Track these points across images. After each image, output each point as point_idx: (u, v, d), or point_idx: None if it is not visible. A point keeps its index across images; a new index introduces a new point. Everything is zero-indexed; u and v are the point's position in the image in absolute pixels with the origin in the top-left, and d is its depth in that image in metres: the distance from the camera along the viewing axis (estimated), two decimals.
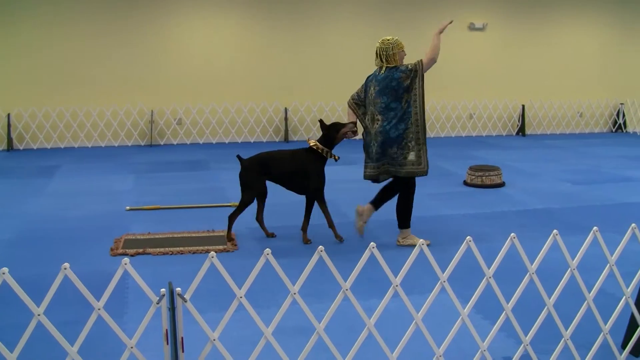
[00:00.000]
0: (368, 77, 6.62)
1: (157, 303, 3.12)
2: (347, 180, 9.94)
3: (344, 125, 6.65)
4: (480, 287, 3.59)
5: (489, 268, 3.61)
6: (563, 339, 3.87)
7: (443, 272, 3.55)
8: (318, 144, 6.65)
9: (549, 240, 3.70)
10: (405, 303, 3.50)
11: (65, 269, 2.99)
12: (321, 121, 6.80)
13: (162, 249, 6.38)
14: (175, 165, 11.38)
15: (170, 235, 6.90)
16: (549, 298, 3.78)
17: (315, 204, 6.76)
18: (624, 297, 4.02)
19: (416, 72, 6.36)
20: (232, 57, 14.26)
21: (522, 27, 16.21)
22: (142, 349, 3.38)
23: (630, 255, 5.82)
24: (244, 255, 6.27)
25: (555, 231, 3.71)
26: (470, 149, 13.78)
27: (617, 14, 16.82)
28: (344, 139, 6.77)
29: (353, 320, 4.51)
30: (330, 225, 6.83)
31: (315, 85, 14.78)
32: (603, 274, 3.93)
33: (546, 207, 8.27)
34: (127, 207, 8.11)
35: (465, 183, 9.76)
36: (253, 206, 6.90)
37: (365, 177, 6.71)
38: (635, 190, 9.54)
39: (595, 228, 3.82)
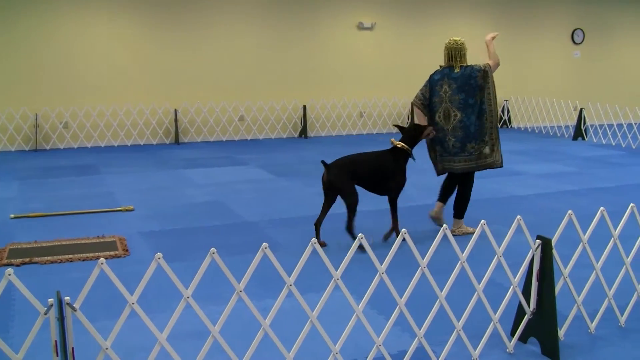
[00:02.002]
0: (433, 77, 6.95)
1: (45, 314, 3.02)
2: (237, 181, 9.88)
3: (425, 126, 6.81)
4: (373, 283, 3.64)
5: (381, 264, 3.65)
6: (455, 330, 3.97)
7: (337, 270, 3.57)
8: (403, 144, 6.69)
9: (439, 234, 3.78)
10: (300, 302, 3.50)
11: None
12: (399, 125, 6.99)
13: (50, 258, 6.17)
14: (62, 170, 11.04)
15: (59, 243, 6.69)
16: (441, 291, 3.86)
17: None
18: (511, 287, 4.15)
19: (486, 73, 6.78)
20: (117, 59, 13.95)
21: (409, 26, 16.54)
22: None
23: (516, 246, 6.02)
24: (136, 261, 6.14)
25: (445, 225, 3.80)
26: (361, 147, 13.91)
27: (498, 15, 17.44)
28: (424, 138, 6.94)
29: (249, 322, 4.49)
30: (396, 227, 6.76)
31: (205, 85, 14.64)
32: (491, 265, 4.05)
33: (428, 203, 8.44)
34: (12, 215, 7.81)
35: None
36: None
37: (441, 172, 7.09)
38: (522, 183, 9.89)
39: (482, 221, 3.93)
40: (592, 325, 4.52)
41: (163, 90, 14.32)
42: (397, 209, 6.75)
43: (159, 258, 3.17)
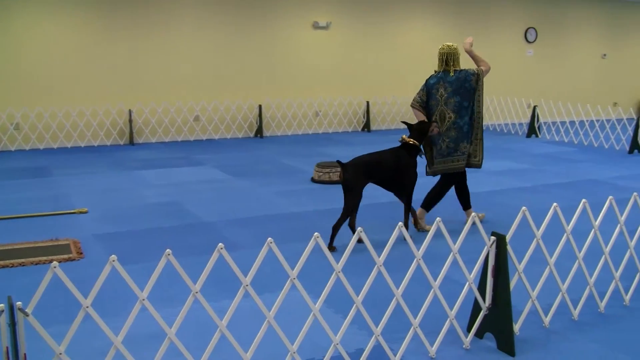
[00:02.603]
0: (429, 82, 7.18)
1: None
2: (193, 181, 9.82)
3: (430, 123, 7.00)
4: (330, 281, 3.64)
5: (337, 262, 3.66)
6: (412, 327, 3.99)
7: (293, 269, 3.57)
8: (414, 140, 6.85)
9: (394, 232, 3.80)
10: (257, 302, 3.49)
11: None
12: (406, 122, 7.06)
13: (1, 262, 6.06)
14: (13, 172, 10.85)
15: (10, 247, 6.57)
16: (397, 288, 3.88)
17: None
18: (467, 283, 4.18)
19: (479, 76, 7.09)
20: (70, 59, 13.75)
21: (365, 25, 16.59)
22: None
23: (471, 243, 6.07)
24: (90, 264, 6.06)
25: (400, 223, 3.81)
26: (317, 145, 13.97)
27: (451, 14, 17.60)
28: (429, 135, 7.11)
29: (205, 323, 4.46)
30: (406, 223, 6.84)
31: (160, 85, 14.52)
32: (447, 262, 4.08)
33: (391, 201, 8.48)
34: None
35: (313, 180, 9.87)
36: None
37: (433, 173, 7.28)
38: (477, 180, 9.97)
39: (438, 219, 3.95)
40: (547, 320, 4.58)
41: (117, 90, 14.16)
42: (411, 205, 6.89)
43: (113, 260, 3.13)
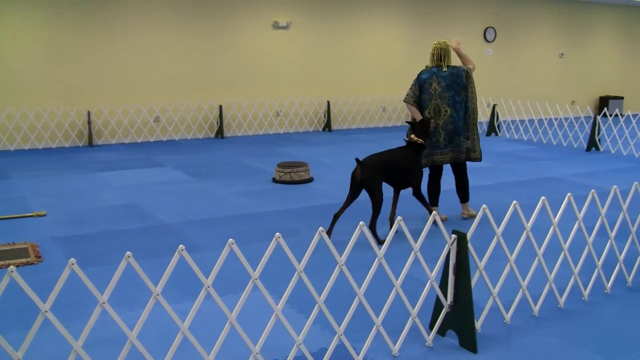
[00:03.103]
0: (422, 77, 7.40)
1: None
2: (153, 183, 9.74)
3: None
4: (292, 282, 3.63)
5: (299, 263, 3.65)
6: (375, 325, 4.00)
7: (255, 270, 3.55)
8: (419, 139, 6.98)
9: (356, 231, 3.80)
10: (218, 303, 3.47)
11: None
12: (410, 122, 7.18)
13: None
14: None
15: None
16: (359, 288, 3.88)
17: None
18: (429, 281, 4.20)
19: (469, 74, 7.36)
20: (26, 60, 13.56)
21: (325, 25, 16.60)
22: None
23: (433, 241, 6.11)
24: (49, 268, 5.96)
25: (361, 223, 3.82)
26: (278, 146, 13.95)
27: (412, 14, 17.68)
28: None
29: (167, 325, 4.42)
30: (392, 218, 7.08)
31: (119, 86, 14.37)
32: (409, 260, 4.10)
33: (356, 200, 8.50)
34: None
35: (275, 180, 9.85)
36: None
37: (433, 164, 7.47)
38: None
39: (399, 217, 3.96)
40: (508, 316, 4.62)
41: (75, 91, 13.98)
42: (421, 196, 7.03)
43: (72, 264, 3.09)
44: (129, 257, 3.22)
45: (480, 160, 7.60)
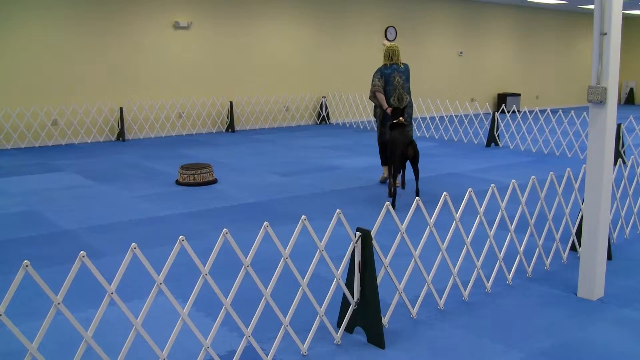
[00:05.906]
0: (385, 72, 9.12)
1: None
2: (52, 188, 9.46)
3: (398, 107, 8.97)
4: (197, 285, 3.58)
5: (204, 265, 3.61)
6: (283, 325, 3.99)
7: (159, 274, 3.49)
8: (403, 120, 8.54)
9: (260, 232, 3.78)
10: (123, 309, 3.39)
11: None
12: (393, 107, 8.98)
13: None
14: None
15: None
16: (266, 288, 3.87)
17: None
18: (335, 279, 4.22)
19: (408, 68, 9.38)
20: None
21: (226, 25, 16.49)
22: None
23: (338, 239, 6.14)
24: None
25: (266, 223, 3.80)
26: (181, 147, 13.77)
27: (313, 14, 17.78)
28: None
29: (70, 334, 4.30)
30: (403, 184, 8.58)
31: (13, 88, 13.90)
32: (314, 259, 4.10)
33: (257, 201, 8.48)
34: None
35: (178, 182, 9.72)
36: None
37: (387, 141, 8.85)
38: (342, 175, 10.11)
39: (303, 217, 3.96)
40: (414, 311, 4.69)
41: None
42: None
43: None
44: (27, 265, 3.11)
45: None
